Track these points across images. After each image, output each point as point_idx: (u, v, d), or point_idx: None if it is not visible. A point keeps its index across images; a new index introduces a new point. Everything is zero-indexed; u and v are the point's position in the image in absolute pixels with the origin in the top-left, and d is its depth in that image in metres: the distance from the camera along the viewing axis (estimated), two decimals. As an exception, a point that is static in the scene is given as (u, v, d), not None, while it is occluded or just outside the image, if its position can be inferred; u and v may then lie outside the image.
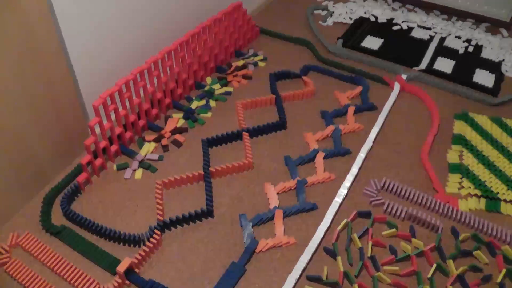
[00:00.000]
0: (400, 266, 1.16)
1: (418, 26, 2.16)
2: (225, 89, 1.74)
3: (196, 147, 1.49)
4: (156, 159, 1.44)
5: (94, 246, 1.19)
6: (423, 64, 1.89)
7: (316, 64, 1.88)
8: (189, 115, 1.60)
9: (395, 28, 2.13)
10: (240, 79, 1.79)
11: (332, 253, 1.19)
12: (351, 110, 1.64)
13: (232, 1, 1.80)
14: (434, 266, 1.14)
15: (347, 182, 1.38)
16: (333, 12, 2.26)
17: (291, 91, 1.69)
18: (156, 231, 1.19)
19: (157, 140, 1.50)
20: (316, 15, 2.26)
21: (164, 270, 1.15)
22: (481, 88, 1.77)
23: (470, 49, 2.00)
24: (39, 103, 1.22)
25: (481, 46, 2.03)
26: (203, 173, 1.36)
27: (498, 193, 1.36)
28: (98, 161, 1.37)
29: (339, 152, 1.48)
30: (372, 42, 2.02)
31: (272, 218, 1.27)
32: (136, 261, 1.12)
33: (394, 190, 1.35)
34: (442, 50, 1.99)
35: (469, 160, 1.47)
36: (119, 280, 1.09)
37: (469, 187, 1.38)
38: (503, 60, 1.94)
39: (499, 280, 1.13)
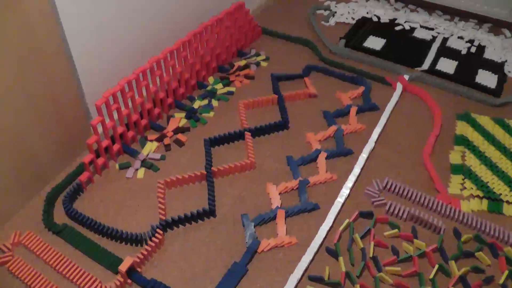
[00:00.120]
0: (402, 266, 1.16)
1: (421, 26, 2.16)
2: (227, 89, 1.74)
3: (198, 146, 1.49)
4: (158, 159, 1.44)
5: (96, 245, 1.19)
6: (426, 65, 1.89)
7: (318, 64, 1.88)
8: (191, 114, 1.60)
9: (397, 28, 2.12)
10: (242, 79, 1.78)
11: (334, 254, 1.19)
12: (353, 110, 1.63)
13: (233, 1, 1.80)
14: (436, 267, 1.14)
15: (349, 183, 1.38)
16: (335, 12, 2.26)
17: (293, 91, 1.69)
18: (158, 230, 1.20)
19: (159, 139, 1.50)
20: (318, 15, 2.26)
21: (166, 270, 1.15)
22: (483, 88, 1.77)
23: (473, 49, 1.99)
24: (40, 103, 1.22)
25: (484, 46, 2.02)
26: (205, 172, 1.36)
27: (500, 194, 1.35)
28: (100, 160, 1.37)
29: (341, 152, 1.48)
30: (374, 42, 2.02)
31: (274, 218, 1.27)
32: (138, 260, 1.12)
33: (396, 190, 1.35)
34: (445, 51, 1.98)
35: (472, 161, 1.47)
36: (121, 279, 1.09)
37: (472, 188, 1.38)
38: (506, 60, 1.94)
39: (501, 281, 1.13)
